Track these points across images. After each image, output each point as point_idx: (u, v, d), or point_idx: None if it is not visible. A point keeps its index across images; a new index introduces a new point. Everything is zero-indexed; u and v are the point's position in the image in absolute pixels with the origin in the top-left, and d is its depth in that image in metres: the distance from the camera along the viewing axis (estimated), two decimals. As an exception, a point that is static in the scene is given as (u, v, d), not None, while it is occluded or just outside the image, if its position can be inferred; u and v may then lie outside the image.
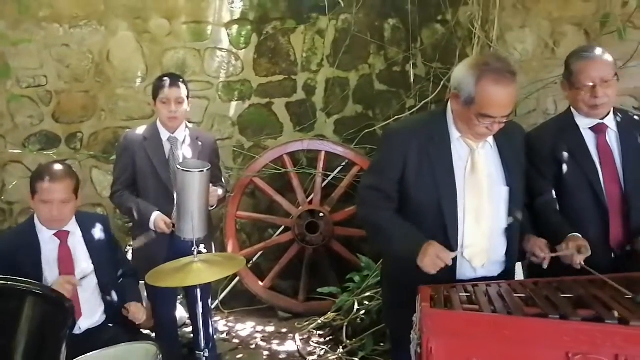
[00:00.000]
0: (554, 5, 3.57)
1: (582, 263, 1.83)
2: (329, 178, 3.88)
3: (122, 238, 3.53)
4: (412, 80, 3.97)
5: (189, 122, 3.93)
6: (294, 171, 3.80)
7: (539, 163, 2.11)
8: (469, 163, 1.84)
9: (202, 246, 2.25)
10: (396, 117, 3.77)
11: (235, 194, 3.78)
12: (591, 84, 1.98)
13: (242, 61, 4.00)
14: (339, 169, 3.90)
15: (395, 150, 1.88)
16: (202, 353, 2.15)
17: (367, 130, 3.86)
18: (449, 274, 1.81)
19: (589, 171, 2.04)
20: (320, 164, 3.80)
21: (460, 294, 1.61)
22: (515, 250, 1.93)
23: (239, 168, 3.94)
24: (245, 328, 3.60)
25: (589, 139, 2.07)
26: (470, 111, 1.74)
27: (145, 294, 2.66)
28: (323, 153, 3.80)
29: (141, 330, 2.59)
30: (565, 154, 2.08)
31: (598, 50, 2.03)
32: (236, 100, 4.03)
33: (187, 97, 2.70)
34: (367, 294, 3.20)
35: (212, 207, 2.66)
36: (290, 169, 3.79)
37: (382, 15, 4.01)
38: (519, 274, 2.19)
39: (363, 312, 3.18)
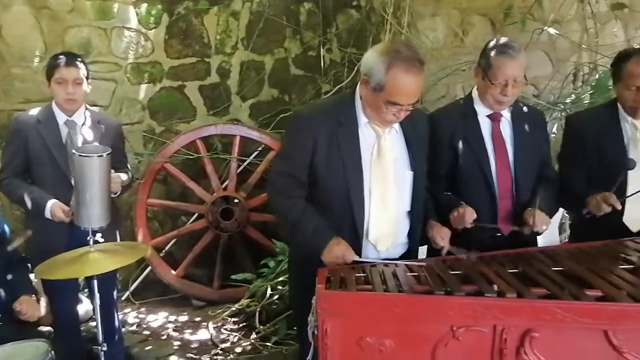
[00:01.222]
0: (463, -5, 3.71)
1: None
2: (245, 163, 3.82)
3: (21, 229, 3.29)
4: (327, 65, 3.98)
5: (94, 105, 3.73)
6: (207, 156, 3.71)
7: (437, 146, 2.18)
8: (375, 148, 1.87)
9: (98, 235, 2.12)
10: (312, 101, 3.77)
11: (146, 180, 3.63)
12: (504, 82, 2.03)
13: (152, 42, 3.82)
14: (255, 154, 3.85)
15: (304, 135, 1.87)
16: (99, 347, 2.05)
17: (283, 115, 3.82)
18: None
19: (482, 157, 2.12)
20: (235, 149, 3.73)
21: (357, 275, 1.63)
22: (417, 233, 1.99)
23: (150, 154, 3.78)
24: (157, 318, 3.50)
25: (485, 126, 2.15)
26: (379, 98, 1.75)
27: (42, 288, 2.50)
28: (238, 138, 3.73)
29: (40, 327, 2.43)
30: (462, 139, 2.16)
31: (518, 50, 2.06)
32: (146, 83, 3.85)
33: (87, 77, 2.53)
34: (281, 278, 3.20)
35: (115, 194, 2.53)
36: (203, 154, 3.70)
37: (298, -1, 3.99)
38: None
39: (277, 297, 3.18)
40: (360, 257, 1.82)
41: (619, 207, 2.01)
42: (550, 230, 3.26)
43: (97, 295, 2.05)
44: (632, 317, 1.34)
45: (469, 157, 2.14)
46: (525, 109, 2.24)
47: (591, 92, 3.51)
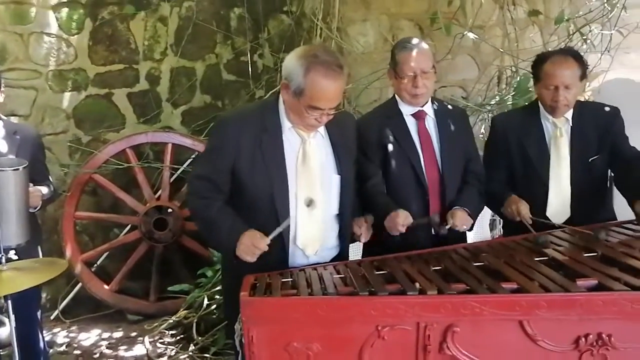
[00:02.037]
0: (392, 1, 3.79)
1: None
2: (178, 172, 3.72)
3: None
4: (259, 70, 3.96)
5: (14, 114, 3.53)
6: (138, 165, 3.59)
7: (367, 149, 2.21)
8: (300, 153, 1.86)
9: (12, 252, 2.00)
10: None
11: (73, 192, 3.46)
12: (412, 74, 2.10)
13: (75, 48, 3.66)
14: (189, 161, 3.75)
15: (227, 140, 1.84)
16: (18, 372, 1.93)
17: (216, 122, 3.78)
18: (281, 263, 1.83)
19: (411, 155, 2.17)
20: (168, 157, 3.63)
21: (283, 280, 1.62)
22: (348, 236, 2.00)
23: (77, 164, 3.63)
24: (89, 336, 3.34)
25: (411, 125, 2.21)
26: (299, 102, 1.75)
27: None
28: (170, 145, 3.63)
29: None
30: (391, 139, 2.20)
31: (419, 43, 2.14)
32: (70, 91, 3.69)
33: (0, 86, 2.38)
34: (219, 287, 3.13)
35: (35, 208, 2.39)
36: (134, 164, 3.57)
37: (227, 4, 3.93)
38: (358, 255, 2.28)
39: (215, 306, 3.12)
40: (288, 263, 1.81)
41: (529, 221, 2.10)
42: (481, 227, 3.40)
43: (12, 316, 1.93)
44: (544, 307, 1.40)
45: (399, 156, 2.19)
46: (449, 107, 2.32)
47: (513, 93, 3.68)
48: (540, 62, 2.27)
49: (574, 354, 1.43)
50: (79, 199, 3.54)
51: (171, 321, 3.33)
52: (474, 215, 2.16)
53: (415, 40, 2.15)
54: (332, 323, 1.45)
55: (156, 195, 3.63)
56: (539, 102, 2.31)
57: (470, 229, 2.23)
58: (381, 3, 3.80)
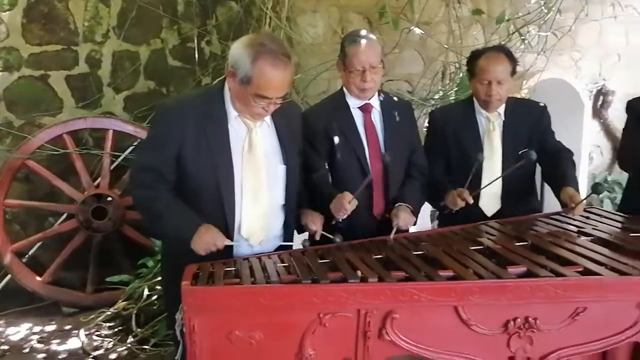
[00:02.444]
0: (342, -7, 3.81)
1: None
2: (119, 159, 3.60)
3: None
4: (207, 57, 3.88)
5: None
6: (76, 152, 3.44)
7: (314, 140, 2.22)
8: (246, 142, 1.84)
9: None
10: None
11: (2, 179, 3.28)
12: (361, 68, 2.11)
13: (7, 25, 3.45)
14: (130, 149, 3.63)
15: (171, 127, 1.80)
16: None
17: (161, 108, 3.67)
18: (225, 252, 1.80)
19: (357, 147, 2.20)
20: (108, 144, 3.49)
21: (226, 269, 1.61)
22: (292, 226, 2.01)
23: (7, 149, 3.43)
24: (19, 330, 3.18)
25: (357, 117, 2.23)
26: (246, 91, 1.73)
27: None
28: (111, 132, 3.50)
29: None
30: (337, 131, 2.22)
31: (369, 37, 2.15)
32: (1, 71, 3.47)
33: None
34: (160, 277, 3.07)
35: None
36: (71, 150, 3.42)
37: (175, -12, 3.83)
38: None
39: (155, 297, 3.05)
40: (232, 251, 1.80)
41: (471, 201, 2.17)
42: (422, 217, 3.50)
43: None
44: (477, 293, 1.47)
45: (345, 148, 2.21)
46: (395, 99, 2.36)
47: (456, 89, 3.80)
48: (474, 58, 2.35)
49: (504, 336, 1.51)
50: (9, 186, 3.35)
51: (109, 313, 3.23)
52: (416, 211, 2.21)
53: (365, 34, 2.16)
54: (275, 311, 1.46)
55: (95, 183, 3.49)
56: (474, 98, 2.40)
57: (414, 224, 2.29)
58: (331, -5, 3.81)
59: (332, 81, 3.77)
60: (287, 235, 2.01)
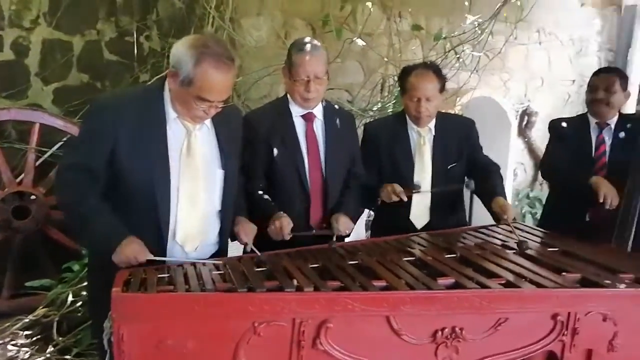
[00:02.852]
0: (286, -2, 3.83)
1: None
2: (46, 155, 3.39)
3: None
4: (146, 53, 3.76)
5: None
6: (-3, 145, 3.22)
7: (254, 145, 2.21)
8: (184, 145, 1.80)
9: None
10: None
11: None
12: (306, 78, 2.13)
13: None
14: (59, 144, 3.44)
15: (105, 124, 1.73)
16: None
17: (94, 103, 3.51)
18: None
19: (297, 157, 2.21)
20: (34, 139, 3.29)
21: (160, 276, 1.57)
22: (228, 233, 1.99)
23: None
24: None
25: (299, 126, 2.24)
26: (187, 93, 1.70)
27: None
28: (37, 125, 3.29)
29: None
30: (277, 138, 2.22)
31: (317, 48, 2.16)
32: None
33: None
34: (86, 283, 2.92)
35: None
36: (-9, 143, 3.20)
37: (113, -21, 3.68)
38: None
39: (80, 303, 2.90)
40: (165, 256, 1.76)
41: (405, 198, 2.25)
42: (357, 228, 3.57)
43: None
44: (408, 303, 1.52)
45: (284, 156, 2.21)
46: (337, 107, 2.40)
47: (394, 102, 3.91)
48: (405, 74, 2.43)
49: (432, 346, 1.57)
50: None
51: (27, 320, 3.02)
52: (355, 220, 2.26)
53: (312, 44, 2.16)
54: (209, 320, 1.44)
55: (18, 180, 3.28)
56: (406, 112, 2.48)
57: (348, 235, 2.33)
58: (276, -1, 3.81)
59: (274, 85, 3.78)
60: (223, 243, 1.98)
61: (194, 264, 1.71)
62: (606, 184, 2.42)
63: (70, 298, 2.92)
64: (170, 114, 1.79)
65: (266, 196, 2.19)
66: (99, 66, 3.73)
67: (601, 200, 2.38)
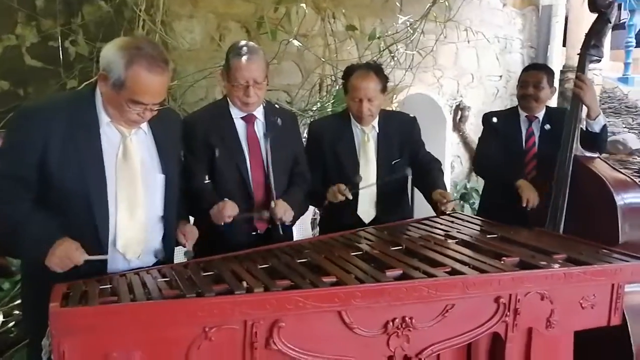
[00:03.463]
0: (220, 1, 3.77)
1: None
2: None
3: None
4: (72, 58, 3.58)
5: None
6: None
7: (194, 148, 2.18)
8: (120, 150, 1.74)
9: None
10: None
11: None
12: (245, 83, 2.10)
13: None
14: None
15: (33, 133, 1.65)
16: None
17: (16, 112, 3.30)
18: (98, 269, 1.69)
19: (238, 158, 2.19)
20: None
21: (101, 287, 1.50)
22: (172, 238, 1.93)
23: None
24: None
25: (240, 128, 2.23)
26: (120, 96, 1.64)
27: None
28: (-47, 137, 3.07)
29: None
30: (218, 141, 2.20)
31: (255, 52, 2.13)
32: None
33: None
34: (19, 301, 2.75)
35: None
36: None
37: (32, -20, 3.48)
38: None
39: (12, 323, 2.72)
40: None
41: (350, 197, 2.29)
42: (304, 226, 3.58)
43: None
44: (359, 297, 1.53)
45: (225, 158, 2.19)
46: (279, 110, 2.39)
47: (333, 101, 3.95)
48: (347, 75, 2.48)
49: (383, 337, 1.59)
50: None
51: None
52: (297, 212, 2.25)
53: (251, 48, 2.14)
54: (156, 328, 1.38)
55: None
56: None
57: (292, 224, 2.32)
58: (209, 1, 3.75)
59: (211, 89, 3.71)
60: (168, 249, 1.92)
61: (137, 273, 1.65)
62: (529, 187, 2.60)
63: (0, 318, 2.73)
64: (103, 118, 1.72)
65: (210, 190, 2.17)
66: (21, 72, 3.51)
67: (524, 204, 2.56)
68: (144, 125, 1.81)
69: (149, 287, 1.51)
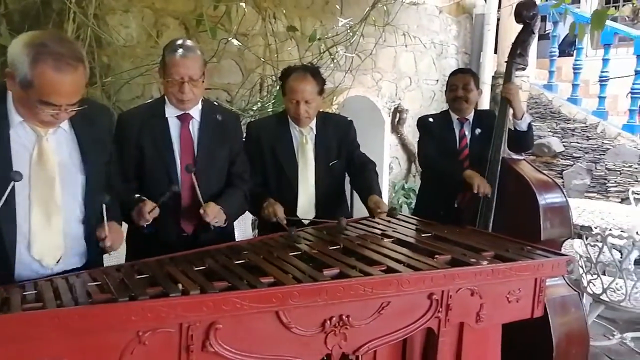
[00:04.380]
0: (157, -4, 3.66)
1: None
2: None
3: None
4: (-6, 50, 3.36)
5: None
6: None
7: (124, 147, 2.11)
8: (35, 151, 1.64)
9: None
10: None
11: None
12: (180, 79, 2.06)
13: None
14: None
15: None
16: None
17: None
18: (5, 277, 1.60)
19: (167, 158, 2.15)
20: None
21: (25, 293, 1.42)
22: (95, 241, 1.83)
23: None
24: None
25: (174, 127, 2.17)
26: (28, 95, 1.54)
27: None
28: None
29: None
30: (148, 140, 2.15)
31: (191, 49, 2.09)
32: None
33: None
34: None
35: None
36: None
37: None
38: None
39: None
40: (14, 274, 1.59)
41: (285, 227, 2.23)
42: (244, 227, 3.55)
43: None
44: (296, 297, 1.54)
45: (154, 158, 2.14)
46: (217, 105, 2.36)
47: (274, 101, 3.94)
48: (284, 76, 2.47)
49: (321, 335, 1.61)
50: None
51: None
52: (232, 213, 2.21)
53: (186, 44, 2.10)
54: (86, 334, 1.32)
55: None
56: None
57: (230, 225, 2.29)
58: (146, -4, 3.64)
59: (147, 86, 3.60)
60: (92, 252, 1.84)
61: (66, 278, 1.57)
62: (478, 176, 2.71)
63: None
64: (15, 117, 1.63)
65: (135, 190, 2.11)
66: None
67: (475, 191, 2.65)
68: (65, 124, 1.72)
69: (77, 291, 1.45)
